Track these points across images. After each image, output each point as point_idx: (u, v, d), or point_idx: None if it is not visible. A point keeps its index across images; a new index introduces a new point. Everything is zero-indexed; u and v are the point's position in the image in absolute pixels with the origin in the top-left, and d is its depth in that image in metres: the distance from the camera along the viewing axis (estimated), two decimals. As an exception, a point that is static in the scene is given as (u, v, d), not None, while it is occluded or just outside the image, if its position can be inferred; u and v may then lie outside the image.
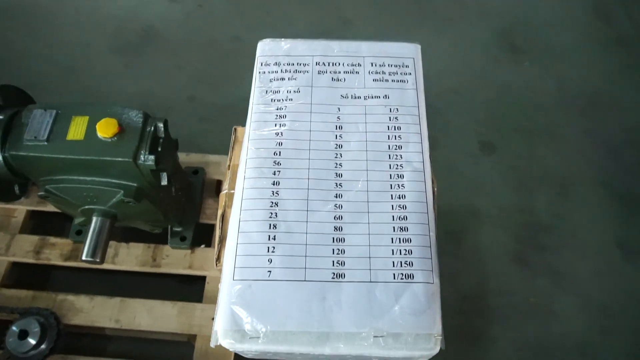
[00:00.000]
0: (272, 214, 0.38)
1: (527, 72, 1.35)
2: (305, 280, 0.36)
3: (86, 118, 0.68)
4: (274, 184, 0.39)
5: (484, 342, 0.97)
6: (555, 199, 1.15)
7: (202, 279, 0.88)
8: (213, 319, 0.84)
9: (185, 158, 0.95)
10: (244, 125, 0.47)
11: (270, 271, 0.36)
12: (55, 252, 0.89)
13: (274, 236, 0.37)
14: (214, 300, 0.86)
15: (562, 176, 1.19)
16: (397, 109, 0.43)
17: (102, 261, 0.74)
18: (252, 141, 0.42)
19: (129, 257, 0.88)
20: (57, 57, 1.26)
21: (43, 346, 0.82)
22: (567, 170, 1.20)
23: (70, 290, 0.86)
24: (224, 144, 1.15)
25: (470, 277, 1.03)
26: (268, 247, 0.37)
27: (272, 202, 0.39)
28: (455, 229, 1.10)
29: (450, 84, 1.32)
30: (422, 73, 0.45)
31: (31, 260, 0.88)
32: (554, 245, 1.09)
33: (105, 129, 0.66)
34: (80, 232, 0.89)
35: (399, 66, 0.45)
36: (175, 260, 0.88)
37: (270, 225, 0.38)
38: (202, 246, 0.90)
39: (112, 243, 0.88)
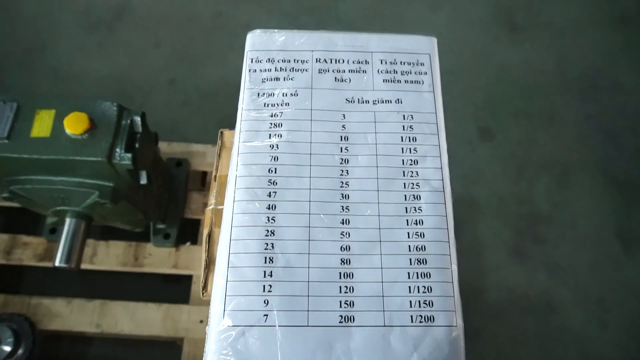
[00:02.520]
0: (267, 244, 0.32)
1: (527, 51, 1.29)
2: (308, 326, 0.30)
3: (52, 112, 0.60)
4: (269, 209, 0.33)
5: (482, 338, 0.94)
6: (555, 187, 1.12)
7: (188, 278, 0.83)
8: (201, 321, 0.80)
9: (166, 148, 0.88)
10: (230, 127, 0.40)
11: (266, 315, 0.30)
12: (27, 252, 0.82)
13: (271, 272, 0.32)
14: (201, 302, 0.81)
15: (562, 163, 1.15)
16: (412, 116, 0.37)
17: (78, 267, 0.68)
18: (242, 155, 0.35)
19: (108, 256, 0.82)
20: (20, 34, 1.15)
21: (20, 352, 0.76)
22: (567, 157, 1.16)
23: (45, 293, 0.80)
24: (208, 131, 1.08)
25: (469, 271, 0.99)
26: (264, 286, 0.31)
27: (268, 231, 0.33)
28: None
29: (447, 65, 1.24)
30: (439, 73, 0.39)
31: (1, 261, 0.82)
32: (554, 236, 1.06)
33: (75, 124, 0.58)
34: (55, 230, 0.82)
35: (413, 64, 0.39)
36: (158, 259, 0.83)
37: (266, 258, 0.32)
38: (188, 244, 0.84)
39: (90, 241, 0.81)
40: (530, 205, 1.10)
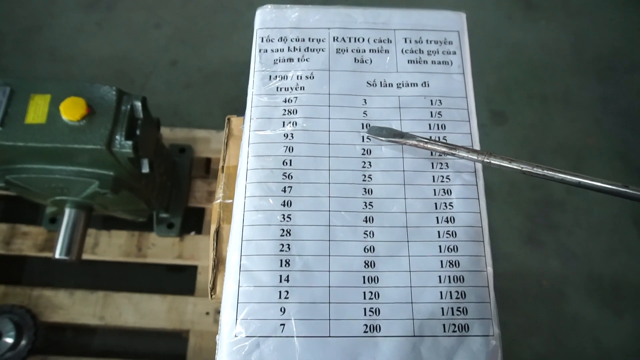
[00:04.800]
0: (283, 246, 0.29)
1: (541, 31, 1.24)
2: (330, 336, 0.28)
3: (47, 97, 0.56)
4: (284, 205, 0.30)
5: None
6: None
7: (193, 269, 0.81)
8: (207, 313, 0.77)
9: (169, 134, 0.85)
10: (234, 110, 0.37)
11: (283, 324, 0.28)
12: (27, 242, 0.80)
13: (287, 276, 0.29)
14: (207, 293, 0.79)
15: (577, 147, 1.11)
16: (441, 101, 0.33)
17: (78, 259, 0.65)
18: (253, 146, 0.32)
19: (110, 246, 0.79)
20: (17, 13, 1.11)
21: (22, 343, 0.74)
22: (583, 141, 1.12)
23: (47, 285, 0.77)
24: (212, 114, 1.05)
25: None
26: (280, 292, 0.28)
27: (283, 230, 0.30)
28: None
29: (459, 45, 1.20)
30: (469, 52, 0.36)
31: (0, 252, 0.79)
32: (568, 223, 1.02)
33: (72, 110, 0.55)
34: (55, 220, 0.79)
35: (441, 43, 0.35)
36: (162, 249, 0.80)
37: (281, 261, 0.29)
38: (192, 233, 0.81)
39: (91, 231, 0.79)
40: (544, 191, 1.07)
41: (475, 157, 0.29)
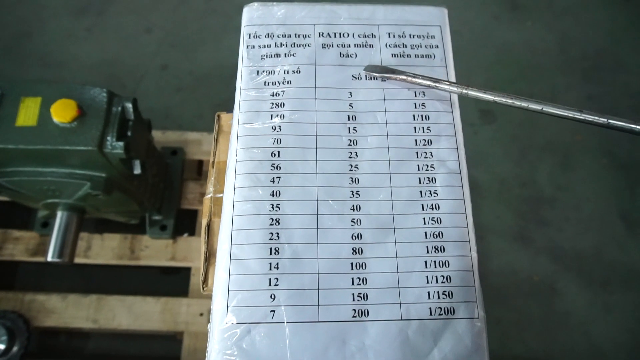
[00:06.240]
0: (272, 234, 0.30)
1: (528, 31, 1.26)
2: (319, 322, 0.28)
3: (38, 99, 0.57)
4: (273, 195, 0.31)
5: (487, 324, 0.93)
6: (557, 170, 1.09)
7: (187, 270, 0.81)
8: (201, 314, 0.77)
9: (161, 137, 0.85)
10: (227, 111, 0.38)
11: (273, 310, 0.28)
12: (19, 246, 0.80)
13: (277, 264, 0.29)
14: (200, 294, 0.79)
15: (565, 145, 1.13)
16: (424, 93, 0.34)
17: (71, 261, 0.65)
18: (241, 138, 0.33)
19: (103, 249, 0.80)
20: (6, 19, 1.11)
21: (14, 349, 0.74)
22: (570, 139, 1.14)
23: (40, 289, 0.77)
24: (203, 117, 1.05)
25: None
26: (270, 279, 0.29)
27: (272, 219, 0.30)
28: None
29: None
30: (451, 45, 0.37)
31: (-8, 257, 0.79)
32: (557, 220, 1.04)
33: (62, 112, 0.55)
34: (47, 224, 0.79)
35: (423, 37, 0.36)
36: (155, 251, 0.80)
37: (271, 249, 0.30)
38: (185, 235, 0.81)
39: (84, 235, 0.79)
40: (533, 188, 1.08)
41: (455, 89, 0.32)
